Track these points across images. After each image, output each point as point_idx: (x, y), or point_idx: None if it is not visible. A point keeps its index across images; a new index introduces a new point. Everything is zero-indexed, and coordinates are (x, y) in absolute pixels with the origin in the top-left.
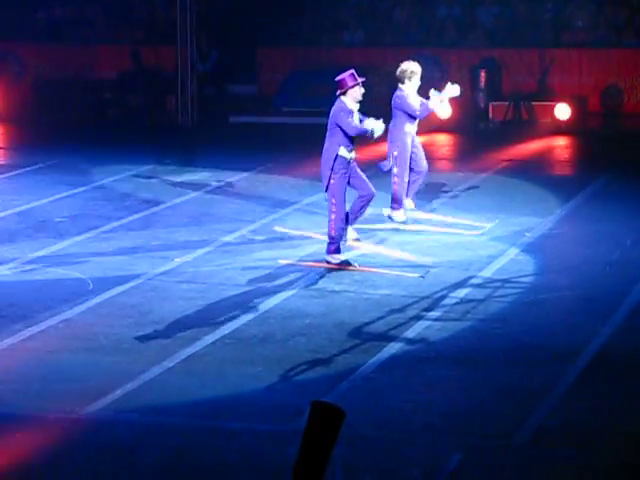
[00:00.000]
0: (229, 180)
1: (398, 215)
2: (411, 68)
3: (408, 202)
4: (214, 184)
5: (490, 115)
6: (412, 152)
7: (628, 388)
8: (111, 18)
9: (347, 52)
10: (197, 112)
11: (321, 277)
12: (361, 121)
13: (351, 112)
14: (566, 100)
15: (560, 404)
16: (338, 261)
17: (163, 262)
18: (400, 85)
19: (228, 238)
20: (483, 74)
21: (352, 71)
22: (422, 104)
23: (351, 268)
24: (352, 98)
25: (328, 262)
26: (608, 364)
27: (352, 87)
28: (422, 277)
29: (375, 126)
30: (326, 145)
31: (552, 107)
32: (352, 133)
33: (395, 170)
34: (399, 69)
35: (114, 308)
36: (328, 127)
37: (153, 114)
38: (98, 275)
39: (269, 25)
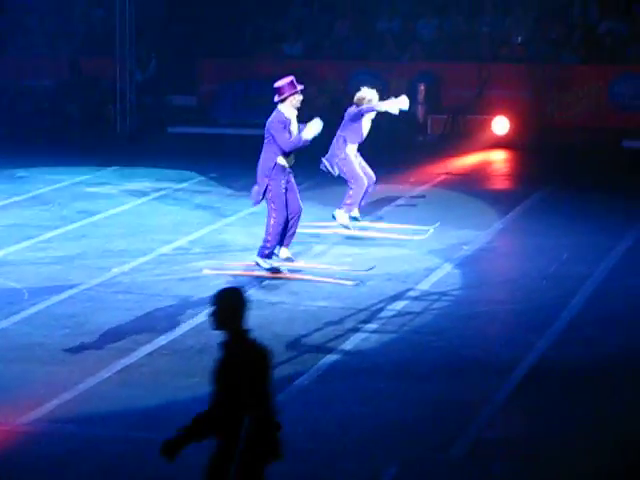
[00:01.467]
0: (167, 190)
1: (344, 218)
2: (369, 95)
3: (354, 211)
4: (152, 194)
5: (429, 128)
6: (361, 165)
7: (563, 401)
8: (49, 27)
9: (286, 64)
10: (135, 121)
11: (257, 287)
12: (300, 130)
13: (288, 122)
14: (504, 114)
15: (497, 417)
16: (268, 266)
17: (100, 272)
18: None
19: (165, 249)
20: (422, 87)
21: (291, 78)
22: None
23: (279, 275)
24: (291, 105)
25: (257, 264)
26: (544, 377)
27: (291, 95)
28: (358, 284)
29: (314, 131)
30: (263, 154)
31: (490, 121)
32: (287, 149)
33: (350, 182)
34: (357, 95)
35: (50, 318)
36: (265, 136)
37: (91, 123)
38: (34, 285)
39: (209, 35)
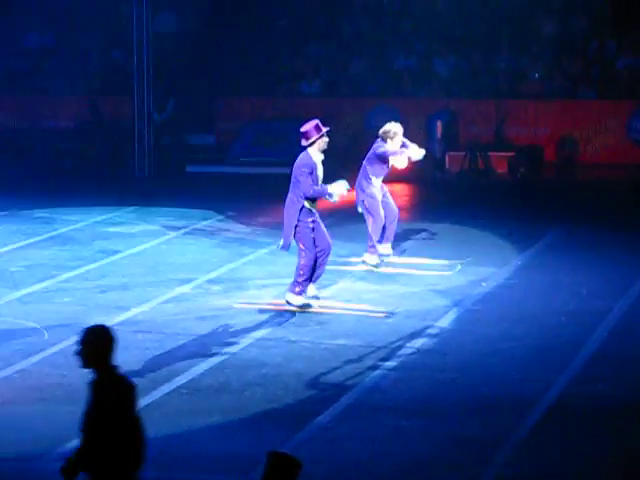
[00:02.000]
0: (185, 230)
1: (372, 259)
2: (394, 129)
3: (384, 247)
4: (171, 233)
5: (447, 165)
6: (383, 200)
7: (584, 438)
8: (68, 68)
9: (304, 102)
10: (154, 162)
11: (277, 325)
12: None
13: (314, 167)
14: (521, 151)
15: (517, 454)
16: (300, 303)
17: (119, 312)
18: (381, 142)
19: (185, 288)
20: (439, 124)
21: (317, 121)
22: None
23: (311, 310)
24: (318, 149)
25: (288, 302)
26: (564, 414)
27: (319, 138)
28: (388, 315)
29: (336, 190)
30: (290, 196)
31: (508, 157)
32: (309, 195)
33: (369, 218)
34: (383, 129)
35: (69, 358)
36: (292, 178)
37: (110, 164)
38: (53, 325)
39: (227, 75)
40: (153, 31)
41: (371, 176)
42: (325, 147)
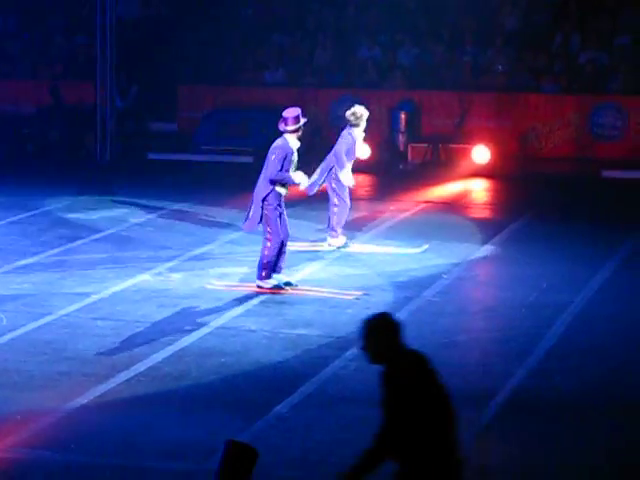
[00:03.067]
0: (147, 217)
1: (337, 241)
2: (361, 112)
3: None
4: (132, 220)
5: (409, 156)
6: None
7: (542, 430)
8: (30, 52)
9: (267, 92)
10: (116, 148)
11: (237, 314)
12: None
13: (290, 153)
14: (484, 143)
15: (475, 446)
16: (270, 285)
17: (78, 298)
18: (350, 129)
19: (145, 275)
20: (403, 116)
21: (299, 111)
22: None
23: (283, 291)
24: (297, 136)
25: (260, 287)
26: (522, 406)
27: (299, 128)
28: (357, 299)
29: (302, 181)
30: (262, 177)
31: (470, 150)
32: (272, 177)
33: (335, 200)
34: (351, 111)
35: (28, 344)
36: (265, 161)
37: (71, 149)
38: (12, 311)
39: (190, 62)
40: (117, 17)
41: (344, 163)
42: (300, 137)
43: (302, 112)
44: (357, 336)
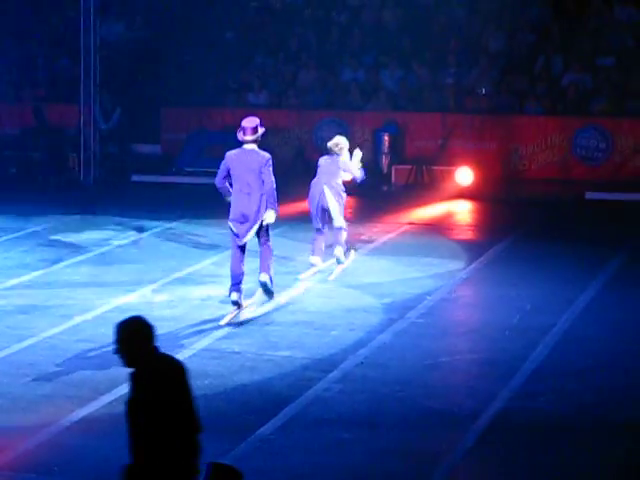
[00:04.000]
0: (131, 238)
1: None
2: (343, 143)
3: (316, 259)
4: (115, 242)
5: (392, 178)
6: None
7: (526, 452)
8: (13, 75)
9: (251, 113)
10: (99, 170)
11: (221, 336)
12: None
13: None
14: (468, 165)
15: (459, 468)
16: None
17: (62, 320)
18: (336, 157)
19: (129, 297)
20: (386, 137)
21: (258, 120)
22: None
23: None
24: (256, 146)
25: (265, 284)
26: (506, 428)
27: (261, 137)
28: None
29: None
30: (257, 192)
31: (454, 171)
32: (270, 189)
33: (343, 224)
34: (333, 141)
35: (11, 366)
36: (253, 175)
37: (55, 172)
38: None
39: (174, 85)
40: (100, 39)
41: (342, 186)
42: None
43: (260, 123)
44: (113, 340)
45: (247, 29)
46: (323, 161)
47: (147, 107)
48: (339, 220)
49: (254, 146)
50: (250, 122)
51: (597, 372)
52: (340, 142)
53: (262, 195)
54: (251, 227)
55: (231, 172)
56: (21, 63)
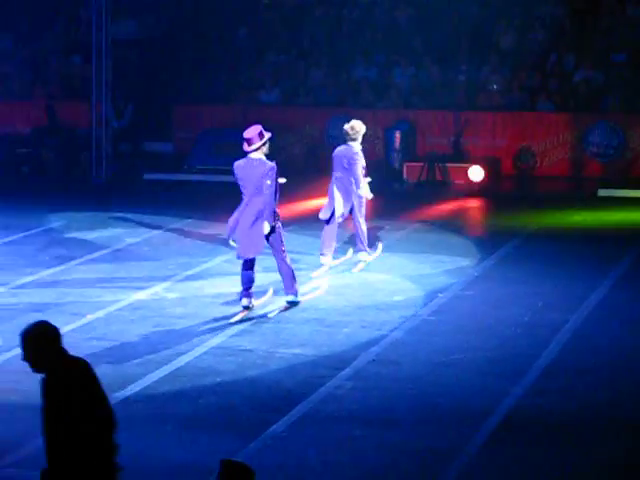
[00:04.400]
0: (142, 236)
1: (366, 255)
2: (359, 127)
3: (325, 259)
4: (127, 241)
5: (404, 176)
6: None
7: (537, 450)
8: (26, 74)
9: (263, 111)
10: (111, 168)
11: (233, 334)
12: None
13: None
14: (479, 162)
15: (470, 465)
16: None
17: (74, 318)
18: (351, 143)
19: (141, 295)
20: (398, 135)
21: (260, 127)
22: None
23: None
24: (262, 154)
25: (291, 302)
26: (518, 426)
27: (263, 145)
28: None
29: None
30: (263, 200)
31: (466, 169)
32: (269, 201)
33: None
34: (349, 125)
35: (23, 364)
36: (256, 186)
37: (67, 170)
38: (8, 331)
39: (186, 82)
40: (112, 37)
41: (359, 179)
42: (267, 152)
43: (264, 128)
44: (20, 347)
45: (259, 26)
46: (337, 151)
47: (159, 105)
48: (338, 212)
49: (261, 155)
50: (251, 132)
51: (608, 370)
52: (356, 126)
53: (262, 208)
54: (251, 243)
55: (239, 182)
56: (33, 61)
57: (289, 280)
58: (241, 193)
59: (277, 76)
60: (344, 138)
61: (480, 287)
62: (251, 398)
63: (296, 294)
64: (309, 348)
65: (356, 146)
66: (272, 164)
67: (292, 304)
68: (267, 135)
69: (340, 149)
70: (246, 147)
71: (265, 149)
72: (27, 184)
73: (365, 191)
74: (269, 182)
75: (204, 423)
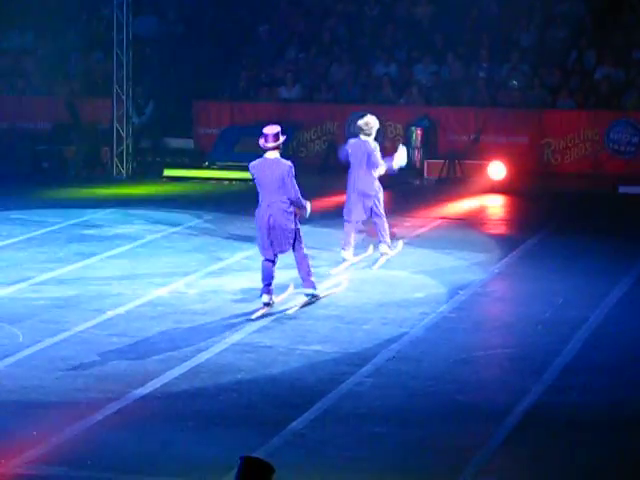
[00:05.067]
0: (163, 233)
1: (387, 249)
2: (373, 123)
3: (347, 253)
4: (148, 237)
5: (425, 173)
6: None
7: (559, 447)
8: (47, 69)
9: (284, 108)
10: (132, 164)
11: (253, 331)
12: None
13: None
14: (500, 159)
15: (492, 462)
16: (319, 292)
17: (94, 315)
18: (365, 137)
19: (161, 291)
20: (419, 132)
21: (279, 129)
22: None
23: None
24: (278, 154)
25: (313, 295)
26: (539, 423)
27: (277, 146)
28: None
29: (309, 208)
30: (280, 201)
31: (486, 166)
32: (295, 198)
33: (379, 219)
34: (363, 121)
35: (44, 361)
36: (277, 184)
37: (88, 166)
38: (29, 327)
39: (207, 79)
40: (133, 34)
41: (374, 177)
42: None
43: (282, 131)
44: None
45: (280, 23)
46: (353, 144)
47: (180, 101)
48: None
49: (276, 154)
50: (271, 129)
51: (629, 367)
52: (370, 121)
53: (285, 204)
54: (275, 240)
55: (256, 182)
56: (54, 58)
57: (306, 274)
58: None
59: (298, 73)
60: (358, 133)
61: (501, 284)
62: (271, 395)
63: (315, 287)
64: (329, 345)
65: (372, 141)
66: (289, 163)
67: (312, 297)
68: (282, 138)
69: (356, 143)
70: (262, 142)
71: (279, 150)
72: (48, 180)
73: (401, 159)
74: (292, 182)
75: (224, 420)
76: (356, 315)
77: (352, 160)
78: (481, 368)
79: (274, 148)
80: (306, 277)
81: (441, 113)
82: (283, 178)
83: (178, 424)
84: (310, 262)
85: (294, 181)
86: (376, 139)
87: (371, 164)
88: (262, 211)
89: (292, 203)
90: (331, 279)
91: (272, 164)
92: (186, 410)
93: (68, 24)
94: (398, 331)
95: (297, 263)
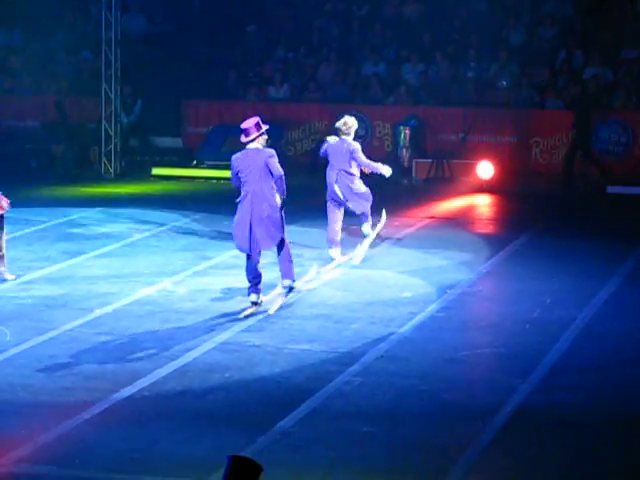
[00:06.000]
0: (151, 232)
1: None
2: (351, 123)
3: (334, 252)
4: (136, 235)
5: (413, 172)
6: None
7: (546, 446)
8: (35, 68)
9: (272, 107)
10: (120, 163)
11: (241, 330)
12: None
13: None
14: (488, 159)
15: (479, 461)
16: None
17: (82, 313)
18: (345, 137)
19: (149, 290)
20: (407, 131)
21: (257, 119)
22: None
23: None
24: (260, 145)
25: (291, 287)
26: (526, 422)
27: (259, 135)
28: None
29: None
30: (269, 194)
31: (474, 165)
32: (279, 176)
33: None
34: (342, 121)
35: (31, 359)
36: (260, 172)
37: (76, 165)
38: (16, 326)
39: (195, 78)
40: (122, 32)
41: (354, 174)
42: (265, 144)
43: (262, 120)
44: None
45: (268, 22)
46: (332, 142)
47: (168, 101)
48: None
49: (257, 145)
50: (248, 123)
51: (617, 366)
52: (348, 122)
53: (269, 193)
54: (260, 235)
55: (240, 174)
56: (43, 56)
57: (287, 265)
58: (239, 188)
59: (286, 72)
60: (337, 134)
61: (489, 284)
62: (259, 394)
63: (293, 279)
64: (317, 344)
65: (351, 140)
66: (271, 150)
67: (290, 289)
68: (264, 127)
69: (335, 143)
70: (243, 138)
71: (262, 140)
72: (36, 179)
73: (387, 169)
74: (274, 162)
75: (212, 419)
76: (344, 314)
77: (331, 159)
78: (469, 367)
79: (257, 137)
80: (287, 270)
81: (429, 112)
82: (267, 163)
83: (166, 423)
84: (292, 252)
85: (277, 164)
86: (364, 138)
87: (353, 160)
88: (245, 204)
89: (276, 184)
90: (319, 278)
91: (254, 153)
92: (174, 409)
93: (56, 23)
94: (386, 330)
95: (278, 258)
